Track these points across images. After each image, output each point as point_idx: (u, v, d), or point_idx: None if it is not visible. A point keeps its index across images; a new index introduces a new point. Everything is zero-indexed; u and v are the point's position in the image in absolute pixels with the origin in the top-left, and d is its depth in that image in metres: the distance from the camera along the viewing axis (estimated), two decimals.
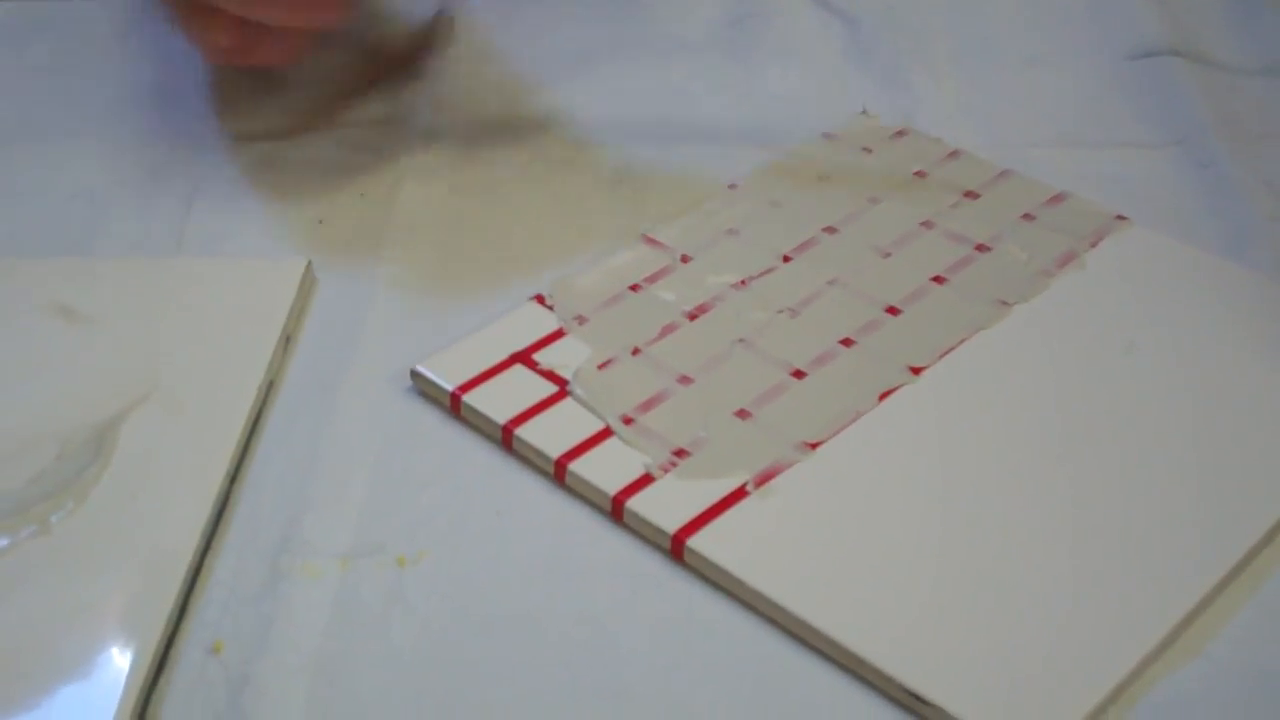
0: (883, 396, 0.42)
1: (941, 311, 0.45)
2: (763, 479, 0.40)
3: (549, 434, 0.41)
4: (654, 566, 0.38)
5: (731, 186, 0.51)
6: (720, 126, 0.55)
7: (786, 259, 0.48)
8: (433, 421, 0.43)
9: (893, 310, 0.45)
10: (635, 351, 0.44)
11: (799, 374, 0.43)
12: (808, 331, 0.45)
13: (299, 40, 0.50)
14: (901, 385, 0.43)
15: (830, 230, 0.49)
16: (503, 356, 0.43)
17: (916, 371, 0.43)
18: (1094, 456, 0.40)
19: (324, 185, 0.52)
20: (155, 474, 0.40)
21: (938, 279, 0.46)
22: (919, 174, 0.51)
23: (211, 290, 0.47)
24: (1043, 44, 0.59)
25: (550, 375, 0.43)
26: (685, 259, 0.48)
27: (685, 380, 0.43)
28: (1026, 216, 0.49)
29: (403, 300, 0.47)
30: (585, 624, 0.37)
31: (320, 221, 0.51)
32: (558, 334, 0.44)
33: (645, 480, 0.40)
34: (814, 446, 0.41)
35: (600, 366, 0.43)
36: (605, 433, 0.41)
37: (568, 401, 0.42)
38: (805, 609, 0.36)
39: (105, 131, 0.55)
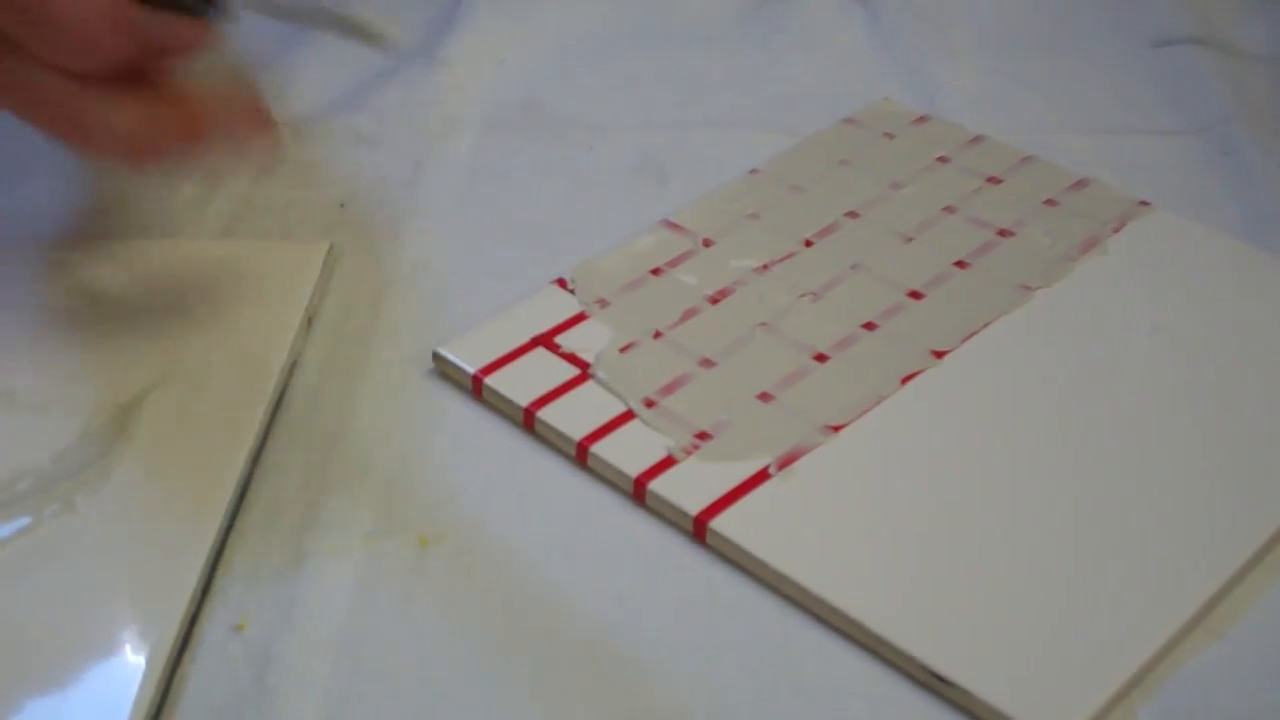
0: (905, 380, 0.42)
1: (964, 296, 0.45)
2: (785, 461, 0.40)
3: (571, 416, 0.41)
4: (675, 548, 0.38)
5: (753, 171, 0.51)
6: (740, 113, 0.55)
7: (808, 243, 0.48)
8: (454, 403, 0.43)
9: (915, 294, 0.45)
10: (657, 335, 0.44)
11: (821, 357, 0.43)
12: (830, 315, 0.45)
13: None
14: (924, 369, 0.43)
15: (852, 215, 0.49)
16: (524, 339, 0.43)
17: (939, 355, 0.43)
18: (1116, 440, 0.40)
19: (346, 169, 0.52)
20: (178, 453, 0.40)
21: (960, 264, 0.46)
22: (941, 159, 0.51)
23: (235, 272, 0.47)
24: (1064, 31, 0.59)
25: (572, 358, 0.43)
26: (707, 243, 0.48)
27: (707, 363, 0.43)
28: (1049, 202, 0.49)
29: (424, 283, 0.47)
30: (607, 605, 0.37)
31: (342, 205, 0.51)
32: (579, 317, 0.44)
33: (668, 462, 0.40)
34: (836, 429, 0.41)
35: (622, 349, 0.43)
36: (627, 415, 0.41)
37: (590, 384, 0.42)
38: (828, 590, 0.36)
39: None
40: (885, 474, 0.40)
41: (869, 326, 0.44)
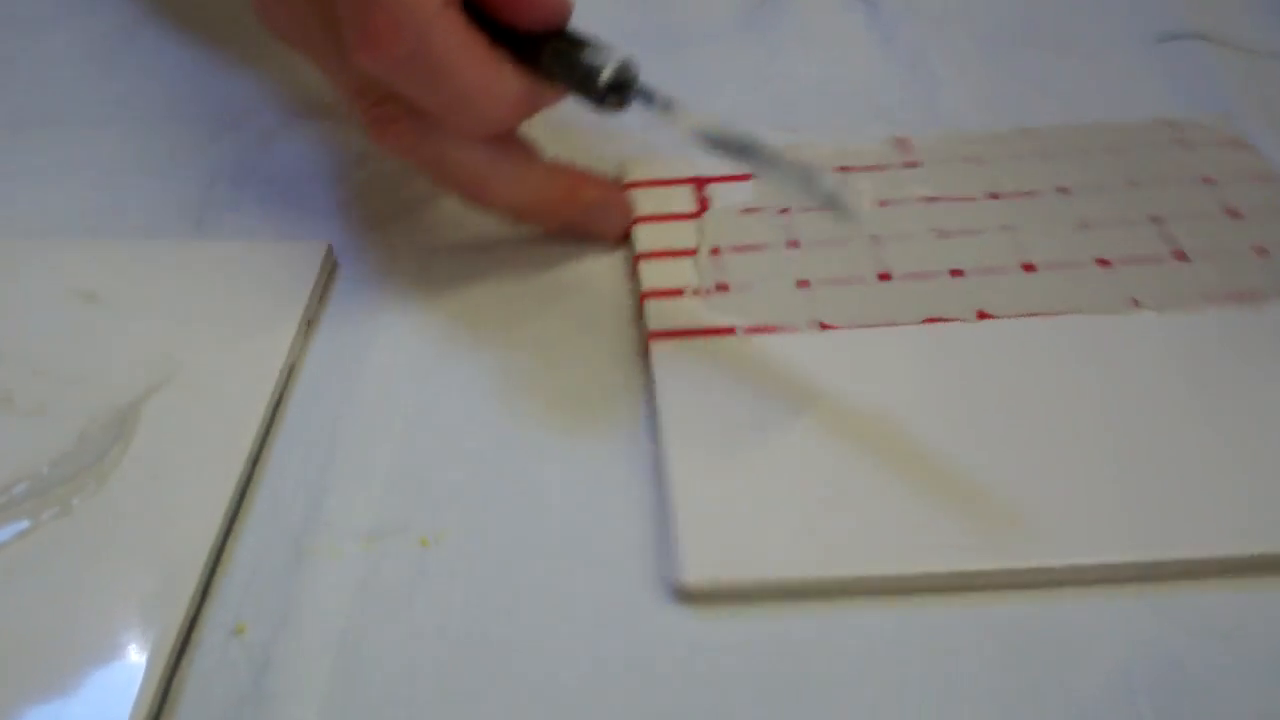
0: (928, 320, 0.43)
1: (1068, 285, 0.44)
2: (754, 329, 0.43)
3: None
4: None
5: (1026, 129, 0.51)
6: (741, 110, 0.55)
7: (994, 196, 0.48)
8: (455, 401, 0.42)
9: (1028, 266, 0.44)
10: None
11: (884, 276, 0.44)
12: (936, 252, 0.45)
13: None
14: (955, 319, 0.43)
15: (1063, 190, 0.48)
16: None
17: (981, 316, 0.43)
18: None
19: (345, 168, 0.52)
20: (177, 456, 0.40)
21: (1102, 261, 0.45)
22: (1207, 179, 0.48)
23: (233, 273, 0.46)
24: (1067, 27, 0.59)
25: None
26: (910, 165, 0.50)
27: (792, 244, 0.46)
28: (1259, 250, 0.45)
29: (424, 282, 0.47)
30: (609, 603, 0.37)
31: (341, 204, 0.50)
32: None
33: (676, 293, 0.45)
34: (824, 327, 0.43)
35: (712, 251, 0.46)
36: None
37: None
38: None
39: (126, 116, 0.55)
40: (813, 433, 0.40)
41: (955, 273, 0.44)
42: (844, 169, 0.49)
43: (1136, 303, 0.43)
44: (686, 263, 0.46)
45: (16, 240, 0.49)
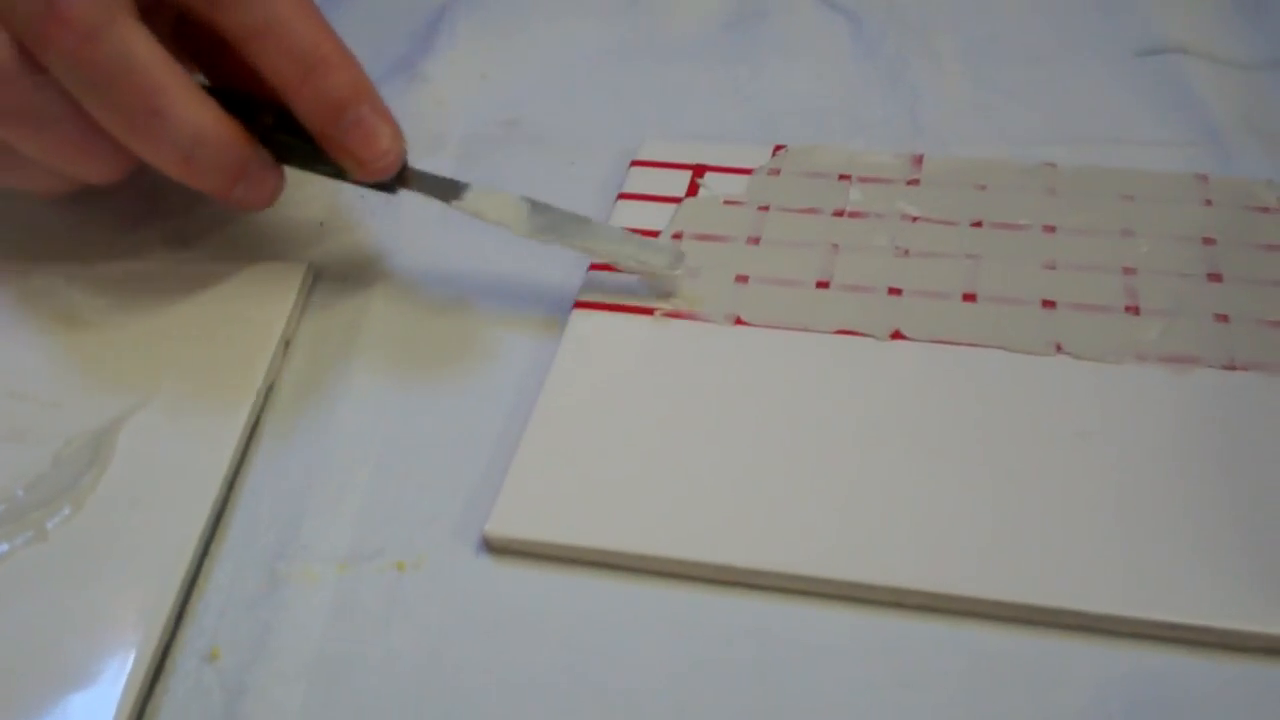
0: (840, 332, 0.43)
1: (1000, 321, 0.43)
2: (673, 314, 0.44)
3: None
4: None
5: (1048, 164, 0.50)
6: (724, 126, 0.55)
7: (978, 224, 0.47)
8: (432, 425, 0.42)
9: (969, 296, 0.44)
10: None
11: (823, 283, 0.45)
12: (883, 270, 0.45)
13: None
14: (867, 335, 0.43)
15: (1049, 229, 0.47)
16: None
17: (896, 337, 0.43)
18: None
19: (325, 187, 0.52)
20: (153, 479, 0.40)
21: (1048, 303, 0.44)
22: (1208, 240, 0.46)
23: (211, 294, 0.46)
24: (1048, 40, 0.59)
25: None
26: (912, 183, 0.50)
27: (753, 240, 0.47)
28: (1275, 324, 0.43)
29: (403, 303, 0.47)
30: (587, 627, 0.36)
31: (321, 224, 0.50)
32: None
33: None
34: (738, 323, 0.43)
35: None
36: None
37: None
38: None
39: None
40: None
41: (893, 291, 0.44)
42: (843, 177, 0.50)
43: (1059, 347, 0.42)
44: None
45: None
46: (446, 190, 0.44)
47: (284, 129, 0.43)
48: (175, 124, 0.40)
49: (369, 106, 0.41)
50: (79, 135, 0.40)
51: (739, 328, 0.43)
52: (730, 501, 0.38)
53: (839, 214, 0.48)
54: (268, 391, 0.43)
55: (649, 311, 0.44)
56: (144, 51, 0.39)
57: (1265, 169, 0.50)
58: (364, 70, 0.42)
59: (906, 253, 0.46)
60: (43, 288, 0.47)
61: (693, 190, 0.49)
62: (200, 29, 0.42)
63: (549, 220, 0.44)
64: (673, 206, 0.49)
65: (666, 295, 0.44)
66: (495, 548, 0.38)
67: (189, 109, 0.40)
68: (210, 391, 0.43)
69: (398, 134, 0.42)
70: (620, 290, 0.45)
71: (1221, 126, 0.53)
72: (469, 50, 0.59)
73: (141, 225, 0.50)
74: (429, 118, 0.55)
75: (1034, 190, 0.49)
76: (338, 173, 0.43)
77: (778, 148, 0.51)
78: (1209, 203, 0.48)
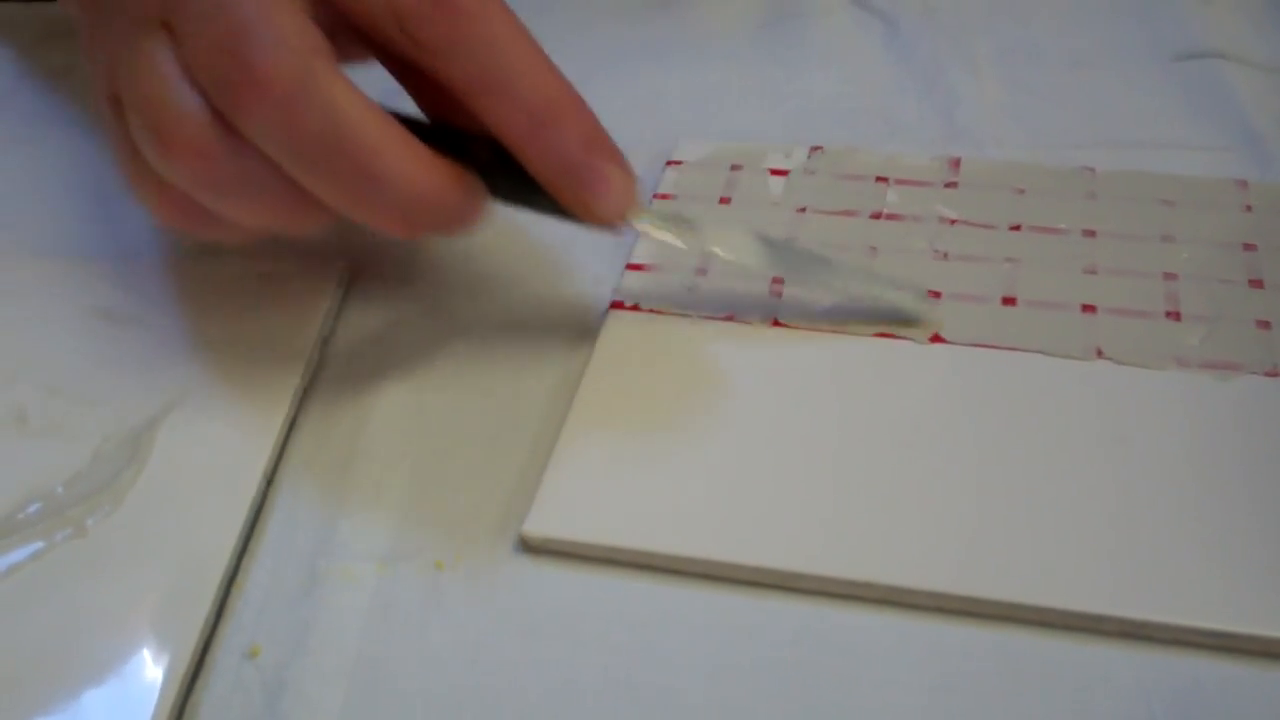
0: (879, 335, 0.43)
1: (1040, 326, 0.43)
2: (712, 317, 0.44)
3: None
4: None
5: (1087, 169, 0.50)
6: (759, 128, 0.55)
7: (1017, 228, 0.47)
8: (469, 425, 0.42)
9: (1009, 300, 0.44)
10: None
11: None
12: (922, 273, 0.45)
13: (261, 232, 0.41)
14: (905, 339, 0.43)
15: (1089, 233, 0.47)
16: None
17: (935, 340, 0.43)
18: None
19: None
20: (192, 477, 0.40)
21: (1088, 308, 0.44)
22: (1248, 246, 0.46)
23: (250, 292, 0.46)
24: (1085, 44, 0.58)
25: None
26: (950, 185, 0.50)
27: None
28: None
29: (439, 302, 0.47)
30: (624, 628, 0.36)
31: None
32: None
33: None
34: (775, 324, 0.43)
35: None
36: None
37: None
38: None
39: None
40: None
41: (933, 294, 0.44)
42: (880, 179, 0.50)
43: (1100, 352, 0.42)
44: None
45: (35, 258, 0.49)
46: (679, 230, 0.42)
47: (500, 165, 0.39)
48: (393, 188, 0.36)
49: (602, 156, 0.39)
50: (290, 199, 0.37)
51: (776, 329, 0.43)
52: (767, 504, 0.38)
53: (876, 216, 0.48)
54: (305, 390, 0.43)
55: (685, 313, 0.44)
56: (352, 108, 0.35)
57: None
58: (595, 114, 0.39)
59: (945, 256, 0.46)
60: (82, 284, 0.47)
61: (728, 192, 0.49)
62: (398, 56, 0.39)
63: (786, 259, 0.44)
64: (706, 207, 0.49)
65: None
66: (532, 547, 0.38)
67: (406, 167, 0.36)
68: (248, 390, 0.43)
69: (630, 181, 0.39)
70: (657, 293, 0.45)
71: (1260, 131, 0.53)
72: None
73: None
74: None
75: (1073, 194, 0.48)
76: (558, 211, 0.40)
77: (814, 149, 0.51)
78: (1249, 208, 0.47)
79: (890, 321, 0.43)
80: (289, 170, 0.36)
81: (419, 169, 0.36)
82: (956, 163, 0.50)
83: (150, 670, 0.35)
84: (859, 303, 0.43)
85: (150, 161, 0.37)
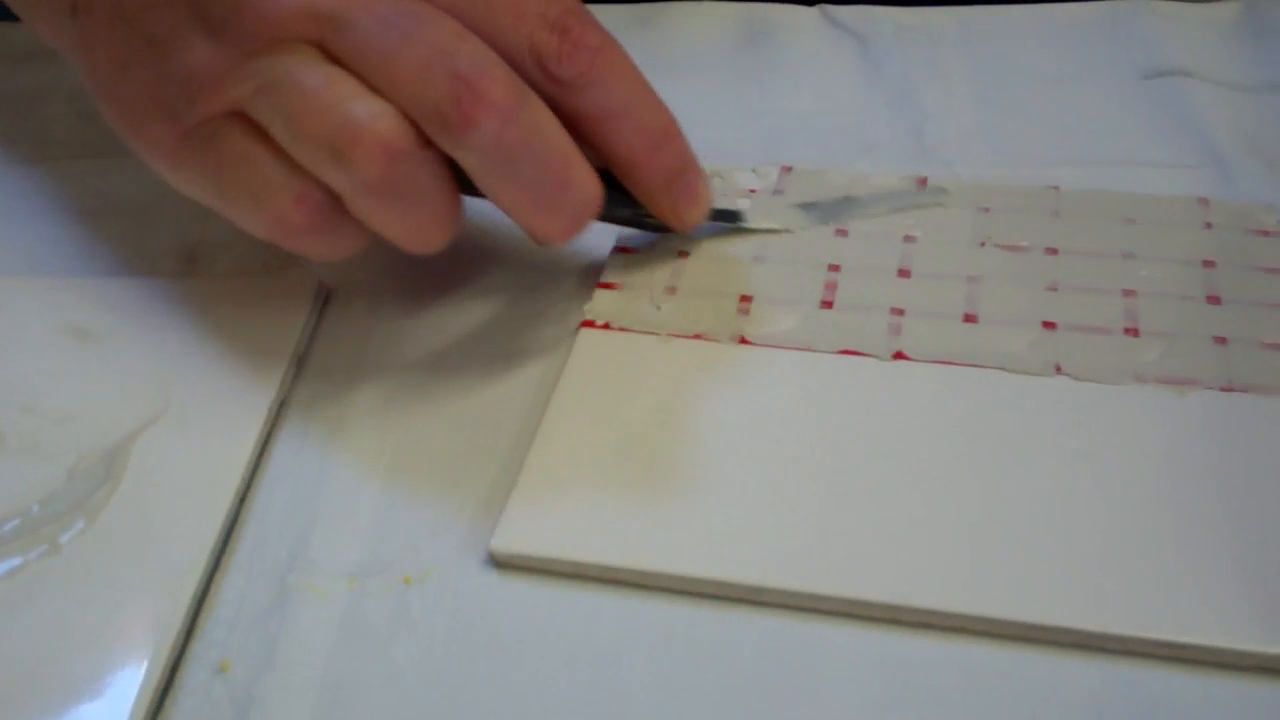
0: (843, 351, 0.43)
1: (999, 341, 0.43)
2: (680, 335, 0.45)
3: None
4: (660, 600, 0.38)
5: (1054, 188, 0.51)
6: (733, 146, 0.55)
7: (981, 244, 0.48)
8: (441, 440, 0.43)
9: (970, 317, 0.45)
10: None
11: (827, 304, 0.45)
12: (882, 290, 0.46)
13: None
14: (869, 355, 0.43)
15: (1051, 251, 0.47)
16: None
17: (898, 357, 0.43)
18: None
19: None
20: (165, 494, 0.41)
21: (1048, 324, 0.44)
22: (1208, 263, 0.47)
23: (224, 308, 0.47)
24: (1055, 63, 0.59)
25: None
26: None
27: (758, 260, 0.48)
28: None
29: (413, 319, 0.47)
30: (591, 643, 0.37)
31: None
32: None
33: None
34: (742, 342, 0.44)
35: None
36: None
37: None
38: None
39: (118, 150, 0.55)
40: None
41: (895, 310, 0.45)
42: (847, 198, 0.50)
43: (1058, 368, 0.42)
44: (652, 260, 0.47)
45: (7, 276, 0.49)
46: (730, 219, 0.49)
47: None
48: (577, 193, 0.41)
49: (695, 173, 0.45)
50: (445, 210, 0.41)
51: (743, 347, 0.44)
52: (733, 518, 0.39)
53: (842, 233, 0.48)
54: (280, 406, 0.44)
55: (654, 331, 0.45)
56: (551, 126, 0.40)
57: (1268, 191, 0.51)
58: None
59: (904, 273, 0.46)
60: (55, 302, 0.47)
61: None
62: None
63: (819, 212, 0.50)
64: None
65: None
66: (501, 563, 0.39)
67: (587, 176, 0.41)
68: (223, 406, 0.43)
69: (708, 194, 0.46)
70: (627, 312, 0.45)
71: (1225, 149, 0.53)
72: None
73: (153, 239, 0.51)
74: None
75: (1037, 212, 0.49)
76: (634, 220, 0.46)
77: (785, 169, 0.52)
78: (1209, 226, 0.48)
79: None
80: (489, 176, 0.40)
81: (591, 178, 0.41)
82: (924, 182, 0.51)
83: (121, 685, 0.35)
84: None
85: (317, 164, 0.39)
